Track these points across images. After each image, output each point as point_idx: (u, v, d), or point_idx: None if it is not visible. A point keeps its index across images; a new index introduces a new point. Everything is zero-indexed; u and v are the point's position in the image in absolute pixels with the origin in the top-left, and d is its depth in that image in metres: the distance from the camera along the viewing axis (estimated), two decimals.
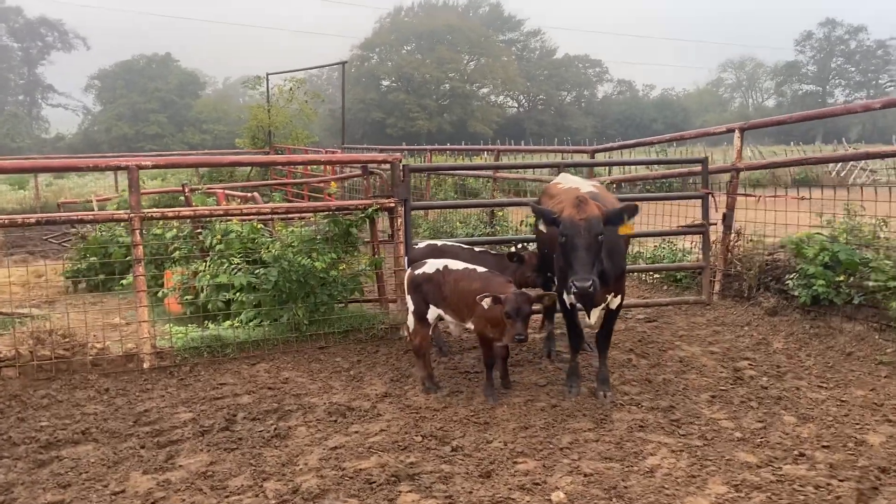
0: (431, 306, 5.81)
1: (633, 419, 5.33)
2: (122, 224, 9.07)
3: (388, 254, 7.67)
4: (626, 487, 4.26)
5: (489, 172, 11.02)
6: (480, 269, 5.79)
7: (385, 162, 7.15)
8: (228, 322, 6.89)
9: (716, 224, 7.97)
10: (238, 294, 7.02)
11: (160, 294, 8.05)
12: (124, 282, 8.54)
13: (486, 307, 5.21)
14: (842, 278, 6.66)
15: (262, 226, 7.54)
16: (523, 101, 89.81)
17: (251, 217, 7.04)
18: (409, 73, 77.23)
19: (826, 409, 5.36)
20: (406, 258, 6.98)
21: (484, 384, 5.81)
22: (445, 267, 5.79)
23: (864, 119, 78.68)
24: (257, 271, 6.89)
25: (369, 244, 7.42)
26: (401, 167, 7.08)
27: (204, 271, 7.44)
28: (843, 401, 5.50)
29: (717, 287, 8.13)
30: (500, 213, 12.00)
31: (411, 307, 5.86)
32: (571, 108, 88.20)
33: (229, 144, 36.88)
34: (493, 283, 5.50)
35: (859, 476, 4.27)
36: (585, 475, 4.42)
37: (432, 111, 75.85)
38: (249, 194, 8.64)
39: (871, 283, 6.21)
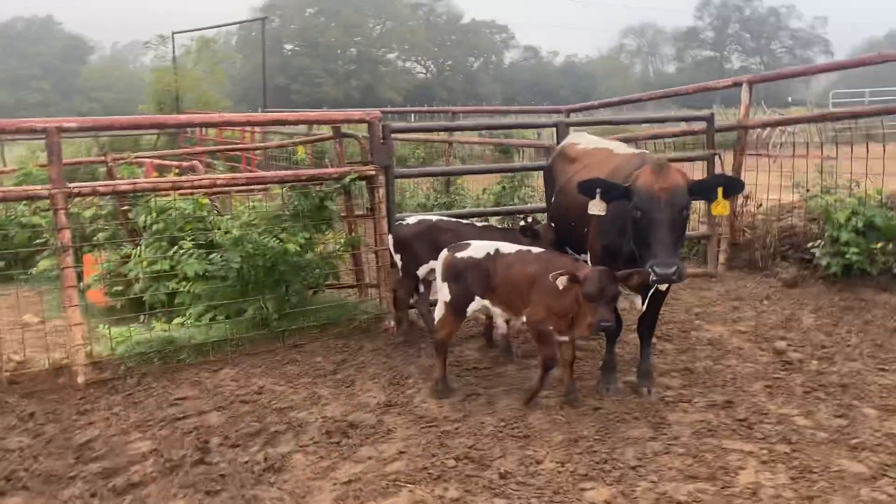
0: (476, 297, 4.79)
1: (694, 421, 4.51)
2: (26, 203, 7.55)
3: (366, 231, 6.54)
4: None
5: (476, 135, 9.98)
6: (536, 249, 4.82)
7: (362, 121, 5.99)
8: (178, 320, 5.62)
9: None
10: (187, 285, 5.74)
11: (80, 286, 6.63)
12: (34, 271, 7.07)
13: (559, 288, 4.23)
14: (878, 245, 6.04)
15: (210, 201, 6.26)
16: (431, 66, 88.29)
17: (200, 190, 5.76)
18: (314, 37, 74.32)
19: None
20: (392, 236, 5.89)
21: (531, 391, 4.74)
22: (497, 251, 4.76)
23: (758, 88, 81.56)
24: (213, 257, 5.63)
25: (344, 220, 6.26)
26: (381, 128, 5.95)
27: (138, 258, 6.13)
28: None
29: (722, 257, 7.43)
30: (458, 182, 10.98)
31: (447, 296, 4.82)
32: (480, 74, 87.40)
33: (123, 112, 34.09)
34: (555, 263, 4.52)
35: None
36: None
37: (339, 76, 73.39)
38: (186, 163, 7.27)
39: None
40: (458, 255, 4.80)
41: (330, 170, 5.89)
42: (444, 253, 4.92)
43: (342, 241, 6.11)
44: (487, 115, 13.82)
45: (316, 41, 74.30)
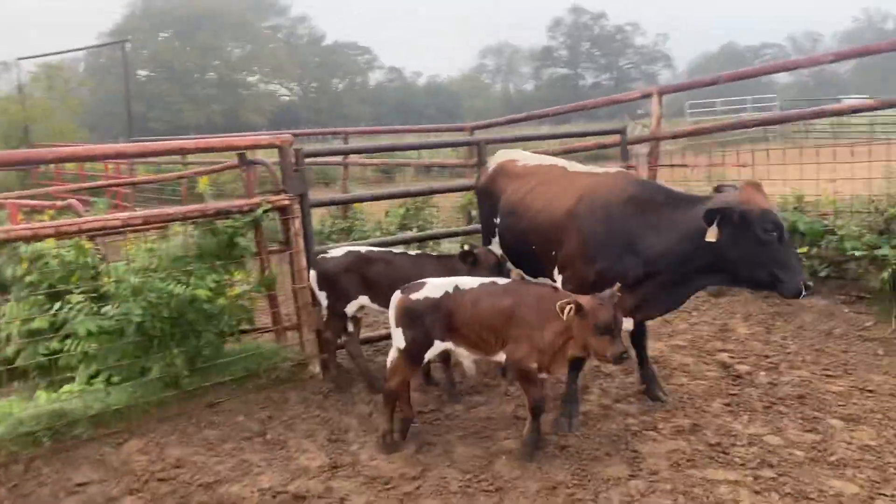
0: (436, 342, 4.26)
1: (668, 451, 4.24)
2: None
3: (280, 268, 5.88)
4: None
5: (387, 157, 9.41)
6: (500, 280, 4.37)
7: (272, 146, 5.36)
8: (69, 387, 4.75)
9: None
10: (72, 344, 4.88)
11: None
12: None
13: (564, 318, 3.76)
14: (804, 250, 6.08)
15: (93, 245, 5.40)
16: (296, 88, 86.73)
17: (81, 234, 4.91)
18: (169, 61, 71.08)
19: (863, 405, 4.64)
20: (315, 271, 5.30)
21: (527, 440, 4.22)
22: (456, 288, 4.23)
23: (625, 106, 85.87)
24: (106, 310, 4.82)
25: (256, 257, 5.56)
26: (293, 152, 5.37)
27: (6, 316, 5.21)
28: (869, 391, 4.84)
29: None
30: (357, 206, 10.42)
31: (402, 343, 4.25)
32: (346, 95, 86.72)
33: None
34: (530, 294, 4.11)
35: None
36: None
37: (199, 101, 70.48)
38: (61, 203, 6.27)
39: (855, 253, 5.64)
40: (414, 296, 4.25)
41: (239, 202, 5.22)
42: (397, 294, 4.36)
43: (255, 280, 5.43)
44: (384, 136, 13.33)
45: (171, 66, 71.12)
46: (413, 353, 4.26)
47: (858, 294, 6.06)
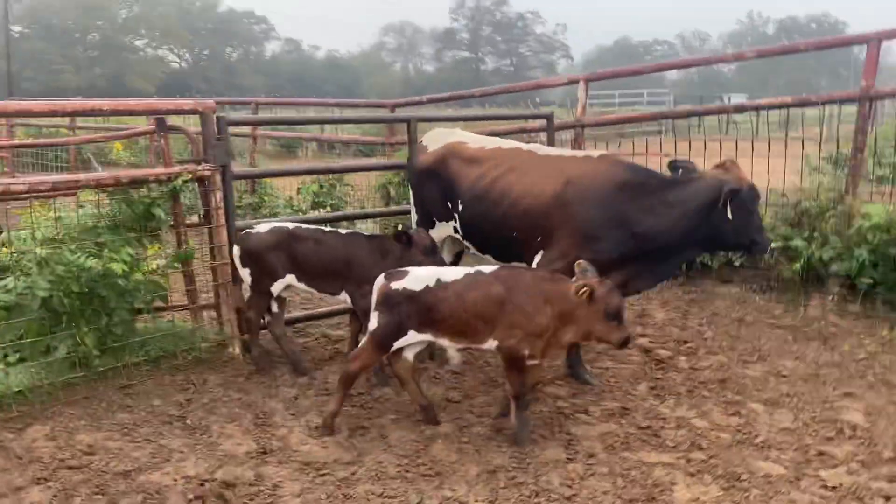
0: (411, 331, 4.10)
1: (601, 433, 4.28)
2: None
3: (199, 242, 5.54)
4: None
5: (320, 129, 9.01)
6: (486, 268, 4.20)
7: (194, 112, 5.02)
8: None
9: None
10: None
11: None
12: None
13: (577, 300, 3.79)
14: None
15: None
16: (187, 55, 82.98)
17: None
18: (48, 19, 66.34)
19: (779, 389, 4.86)
20: (239, 247, 5.02)
21: (518, 425, 4.14)
22: (438, 281, 4.07)
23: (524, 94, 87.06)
24: (6, 283, 4.38)
25: (173, 230, 5.22)
26: (216, 120, 5.06)
27: None
28: (783, 376, 5.07)
29: None
30: (266, 181, 10.02)
31: (375, 325, 4.14)
32: (240, 65, 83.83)
33: None
34: (523, 279, 4.06)
35: None
36: None
37: (80, 63, 66.30)
38: None
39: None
40: (394, 285, 4.10)
41: (157, 170, 4.86)
42: (380, 279, 4.20)
43: (172, 255, 5.09)
44: (296, 108, 12.82)
45: (50, 23, 66.42)
46: (382, 339, 4.13)
47: (769, 283, 6.37)
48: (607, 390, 4.91)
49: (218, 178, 5.10)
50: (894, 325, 5.67)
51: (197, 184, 5.13)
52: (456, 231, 5.30)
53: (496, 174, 4.91)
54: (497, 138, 5.52)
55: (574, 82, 7.16)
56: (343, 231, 5.17)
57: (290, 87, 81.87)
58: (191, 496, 3.61)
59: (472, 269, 4.21)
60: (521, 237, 4.78)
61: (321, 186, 9.60)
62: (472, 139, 5.31)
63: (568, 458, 4.00)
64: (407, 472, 3.87)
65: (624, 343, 3.96)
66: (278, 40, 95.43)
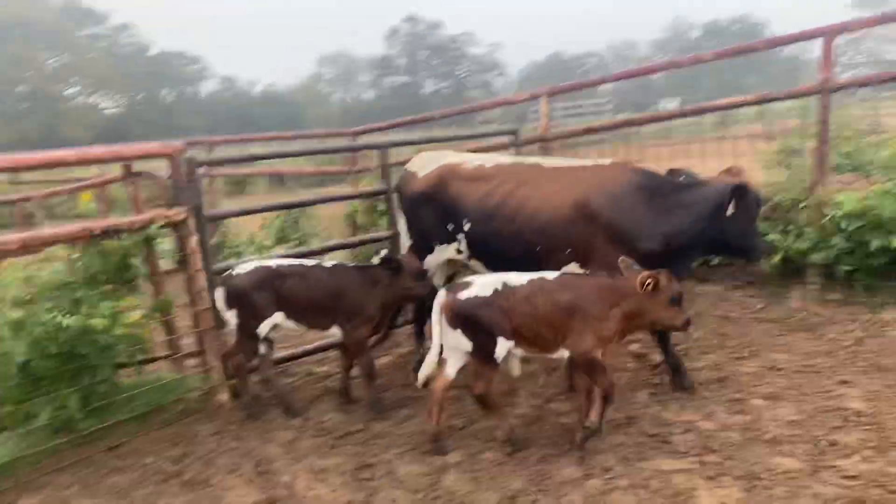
0: (500, 339, 4.04)
1: (612, 445, 4.24)
2: None
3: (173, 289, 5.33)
4: None
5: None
6: (548, 274, 4.20)
7: (162, 155, 4.86)
8: None
9: None
10: None
11: None
12: None
13: (642, 293, 3.97)
14: None
15: None
16: (122, 100, 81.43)
17: None
18: None
19: (776, 382, 4.88)
20: (223, 290, 4.85)
21: (591, 430, 4.16)
22: (505, 284, 4.09)
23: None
24: None
25: (150, 279, 5.00)
26: (185, 162, 4.90)
27: None
28: (779, 369, 5.09)
29: None
30: (228, 220, 9.79)
31: (468, 346, 4.08)
32: (177, 106, 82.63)
33: None
34: (588, 285, 4.13)
35: None
36: None
37: (10, 116, 64.45)
38: None
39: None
40: (462, 295, 4.09)
41: (130, 218, 4.66)
42: (443, 297, 4.15)
43: (151, 305, 4.89)
44: (256, 143, 12.59)
45: None
46: (486, 353, 4.10)
47: (747, 279, 6.44)
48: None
49: (192, 221, 4.94)
50: (875, 308, 5.78)
51: (171, 229, 4.94)
52: (459, 252, 5.22)
53: (506, 189, 4.89)
54: (493, 154, 5.50)
55: (536, 97, 7.19)
56: (328, 263, 5.04)
57: (229, 124, 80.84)
58: None
59: (531, 274, 4.21)
60: (545, 251, 4.75)
61: (284, 221, 9.44)
62: (470, 159, 5.25)
63: (585, 475, 3.93)
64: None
65: (687, 324, 4.14)
66: (214, 78, 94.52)
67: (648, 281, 3.95)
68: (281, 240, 9.29)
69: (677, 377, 4.90)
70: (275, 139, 10.02)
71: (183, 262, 5.00)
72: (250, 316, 4.80)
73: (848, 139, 6.83)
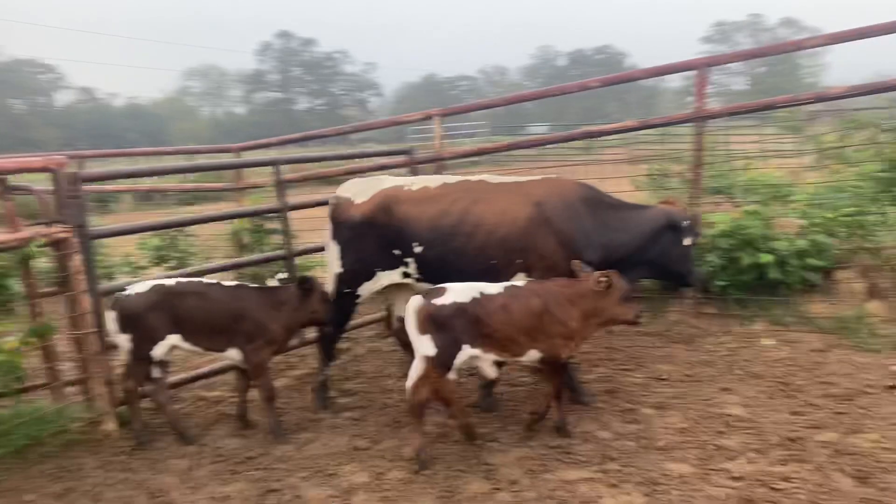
0: (464, 346, 4.18)
1: (517, 458, 4.32)
2: None
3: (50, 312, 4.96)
4: None
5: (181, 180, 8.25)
6: (517, 282, 4.51)
7: (45, 170, 4.54)
8: None
9: None
10: None
11: None
12: None
13: (597, 292, 4.34)
14: None
15: None
16: None
17: None
18: None
19: (663, 392, 5.16)
20: (115, 312, 4.58)
21: (561, 423, 4.58)
22: (482, 294, 4.25)
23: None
24: None
25: (28, 301, 4.63)
26: (69, 176, 4.62)
27: None
28: (663, 379, 5.40)
29: None
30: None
31: (430, 350, 4.14)
32: (29, 117, 77.11)
33: None
34: (553, 289, 4.40)
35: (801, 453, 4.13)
36: None
37: None
38: None
39: None
40: (438, 301, 4.19)
41: (6, 236, 4.32)
42: (417, 302, 4.22)
43: (29, 329, 4.53)
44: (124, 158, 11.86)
45: None
46: (443, 360, 4.18)
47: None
48: (509, 415, 4.98)
49: (75, 239, 4.64)
50: (745, 321, 6.25)
51: (51, 248, 4.62)
52: (405, 276, 5.08)
53: (459, 210, 4.88)
54: (430, 176, 5.48)
55: (429, 118, 7.29)
56: (228, 283, 4.87)
57: (88, 138, 76.38)
58: None
59: (503, 283, 4.41)
60: (501, 263, 4.84)
61: (163, 240, 9.03)
62: (413, 182, 5.18)
63: (493, 489, 3.99)
64: None
65: (638, 318, 4.54)
66: (70, 89, 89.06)
67: (602, 279, 4.33)
68: (159, 259, 8.86)
69: (574, 392, 5.06)
70: (155, 154, 9.57)
71: (64, 282, 4.68)
72: (144, 339, 4.56)
73: (710, 164, 7.36)
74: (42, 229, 4.52)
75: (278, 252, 6.13)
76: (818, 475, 3.88)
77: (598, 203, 4.97)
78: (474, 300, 4.22)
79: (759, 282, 6.18)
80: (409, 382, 4.30)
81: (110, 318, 4.56)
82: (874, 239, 6.22)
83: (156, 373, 4.73)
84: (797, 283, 6.19)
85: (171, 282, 4.71)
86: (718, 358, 5.71)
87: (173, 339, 4.61)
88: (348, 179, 5.53)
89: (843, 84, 5.92)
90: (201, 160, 8.85)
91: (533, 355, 4.36)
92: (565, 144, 7.53)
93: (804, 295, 6.32)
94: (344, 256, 5.18)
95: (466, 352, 4.22)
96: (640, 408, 4.95)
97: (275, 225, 7.87)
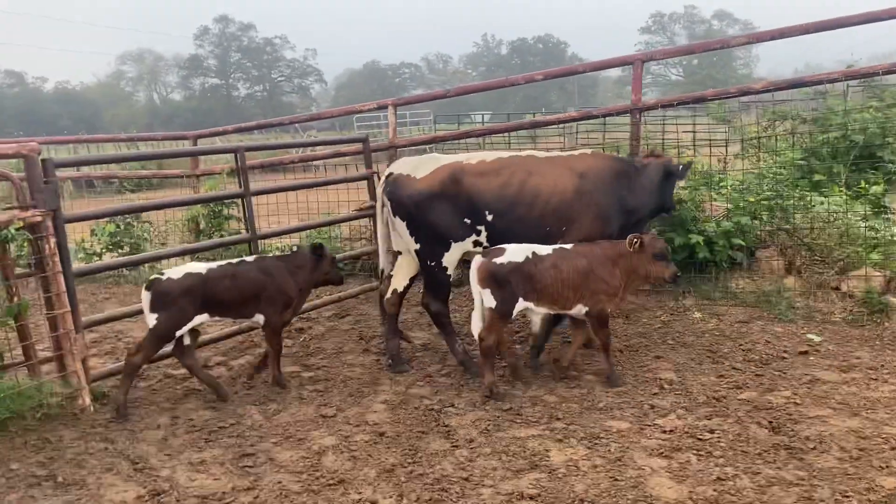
0: (520, 299, 4.93)
1: (473, 421, 4.75)
2: None
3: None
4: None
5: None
6: (567, 245, 5.15)
7: (18, 156, 4.72)
8: None
9: None
10: None
11: None
12: None
13: (634, 250, 4.95)
14: None
15: None
16: None
17: None
18: None
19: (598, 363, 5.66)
20: (150, 293, 4.93)
21: (608, 371, 5.19)
22: (535, 253, 4.97)
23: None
24: None
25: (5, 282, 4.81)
26: (40, 162, 4.82)
27: None
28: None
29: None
30: None
31: (492, 303, 4.92)
32: None
33: None
34: (597, 251, 5.07)
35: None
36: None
37: None
38: None
39: None
40: (498, 260, 4.92)
41: None
42: (479, 260, 4.98)
43: (5, 309, 4.71)
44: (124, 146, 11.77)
45: None
46: (503, 311, 4.95)
47: None
48: (464, 384, 5.39)
49: (49, 223, 4.84)
50: (678, 297, 6.81)
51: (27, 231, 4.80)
52: (476, 245, 5.52)
53: (518, 181, 5.40)
54: (481, 152, 5.97)
55: (383, 108, 7.61)
56: (250, 258, 5.41)
57: (16, 123, 73.77)
58: None
59: (554, 246, 5.10)
60: (554, 230, 5.41)
61: (118, 226, 9.14)
62: (475, 156, 5.69)
63: (453, 447, 4.41)
64: (310, 486, 4.04)
65: (675, 276, 5.07)
66: None
67: (635, 240, 4.91)
68: (114, 245, 8.98)
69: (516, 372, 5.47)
70: (109, 141, 9.64)
71: (39, 264, 4.88)
72: (174, 319, 4.98)
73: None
74: (18, 213, 4.71)
75: (242, 236, 6.38)
76: (738, 427, 4.42)
77: (625, 173, 5.62)
78: (528, 259, 4.90)
79: (689, 260, 6.74)
80: (475, 329, 5.08)
81: (144, 298, 4.96)
82: (791, 221, 6.84)
83: (187, 340, 5.18)
84: (724, 262, 6.78)
85: (202, 268, 5.13)
86: (653, 330, 6.25)
87: (200, 318, 5.09)
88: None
89: (766, 78, 6.50)
90: (164, 148, 8.94)
91: (580, 309, 5.00)
92: (513, 133, 7.96)
93: (730, 272, 6.92)
94: (415, 231, 5.55)
95: (521, 304, 4.90)
96: (583, 374, 5.43)
97: (233, 211, 8.16)
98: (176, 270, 5.10)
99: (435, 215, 5.46)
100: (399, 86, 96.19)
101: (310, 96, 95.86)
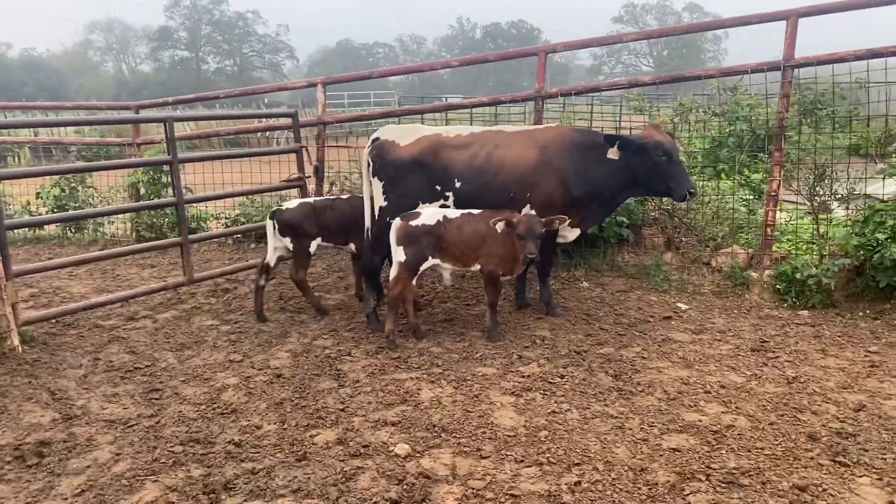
0: (429, 257, 5.67)
1: (364, 366, 5.34)
2: None
3: None
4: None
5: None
6: (475, 210, 5.75)
7: None
8: None
9: (311, 177, 8.16)
10: None
11: None
12: None
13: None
14: None
15: None
16: None
17: None
18: None
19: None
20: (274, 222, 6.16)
21: (490, 326, 5.86)
22: (445, 217, 5.67)
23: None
24: None
25: None
26: None
27: None
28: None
29: None
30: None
31: (402, 258, 5.66)
32: None
33: None
34: (493, 217, 5.56)
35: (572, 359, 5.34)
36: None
37: None
38: None
39: None
40: (412, 223, 5.64)
41: None
42: (397, 221, 5.69)
43: None
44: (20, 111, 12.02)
45: None
46: (411, 266, 5.67)
47: None
48: (364, 338, 6.01)
49: None
50: (570, 269, 7.49)
51: None
52: (443, 207, 6.10)
53: (486, 152, 6.01)
54: (460, 126, 6.55)
55: (313, 85, 8.13)
56: (345, 196, 6.85)
57: None
58: (9, 458, 4.05)
59: (465, 211, 5.76)
60: (518, 196, 6.01)
61: (62, 190, 9.58)
62: (450, 130, 6.30)
63: (339, 386, 5.03)
64: (206, 414, 4.64)
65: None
66: None
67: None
68: (59, 207, 9.42)
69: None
70: (53, 108, 10.01)
71: None
72: (304, 238, 6.44)
73: None
74: None
75: (168, 199, 6.91)
76: (586, 374, 5.10)
77: (589, 146, 6.01)
78: (438, 222, 5.61)
79: (581, 236, 7.40)
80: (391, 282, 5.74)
81: (269, 227, 6.49)
82: (672, 203, 7.53)
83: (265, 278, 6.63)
84: (612, 238, 7.47)
85: (310, 200, 6.70)
86: None
87: (318, 240, 6.54)
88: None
89: (655, 74, 7.13)
90: (117, 115, 9.34)
91: (476, 267, 5.72)
92: (476, 112, 8.29)
93: (618, 248, 7.62)
94: (389, 191, 6.16)
95: (430, 261, 5.64)
96: (470, 331, 6.08)
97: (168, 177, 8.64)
98: (291, 202, 6.60)
99: (411, 179, 6.11)
100: (373, 65, 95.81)
101: (281, 72, 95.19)
